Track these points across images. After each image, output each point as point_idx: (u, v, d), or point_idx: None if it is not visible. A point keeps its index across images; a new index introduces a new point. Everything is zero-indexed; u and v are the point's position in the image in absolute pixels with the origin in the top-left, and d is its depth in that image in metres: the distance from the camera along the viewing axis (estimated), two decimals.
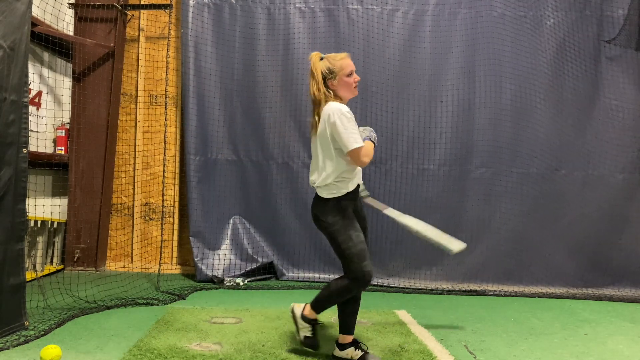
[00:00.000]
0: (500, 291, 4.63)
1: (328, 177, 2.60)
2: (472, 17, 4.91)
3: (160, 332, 3.16)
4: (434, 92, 4.91)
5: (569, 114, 4.84)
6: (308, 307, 2.76)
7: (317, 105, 2.66)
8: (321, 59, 2.66)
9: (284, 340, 3.07)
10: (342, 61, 2.64)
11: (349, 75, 2.64)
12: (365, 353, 2.70)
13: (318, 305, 2.72)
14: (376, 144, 2.72)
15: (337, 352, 2.74)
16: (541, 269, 4.81)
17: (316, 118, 2.65)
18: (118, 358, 2.70)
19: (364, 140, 2.60)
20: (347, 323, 2.72)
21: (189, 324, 3.35)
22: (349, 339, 2.72)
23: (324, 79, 2.63)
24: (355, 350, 2.70)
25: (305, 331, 2.76)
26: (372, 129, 2.76)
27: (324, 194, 2.64)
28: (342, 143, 2.52)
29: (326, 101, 2.62)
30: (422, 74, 4.91)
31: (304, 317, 2.76)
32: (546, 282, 4.77)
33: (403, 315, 3.71)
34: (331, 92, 2.65)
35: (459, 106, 4.90)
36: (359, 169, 2.73)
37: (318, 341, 2.79)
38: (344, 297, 2.65)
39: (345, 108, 2.57)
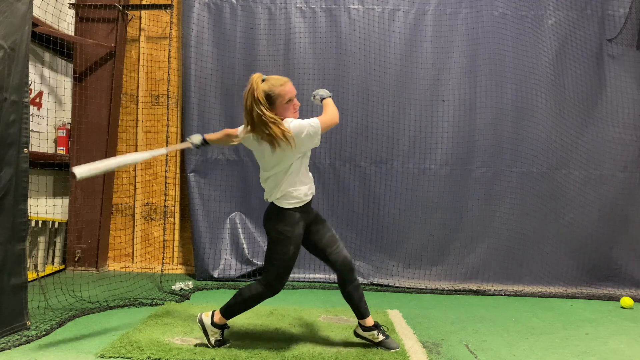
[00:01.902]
0: (500, 291, 4.63)
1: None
2: (473, 17, 4.90)
3: (148, 326, 3.21)
4: (435, 91, 4.91)
5: (570, 113, 4.84)
6: (218, 313, 2.87)
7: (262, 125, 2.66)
8: (263, 80, 2.69)
9: (264, 336, 3.10)
10: (281, 88, 2.68)
11: (288, 102, 2.72)
12: (386, 338, 2.93)
13: (229, 312, 2.86)
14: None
15: (360, 331, 2.95)
16: (542, 268, 4.81)
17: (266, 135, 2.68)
18: (99, 348, 2.78)
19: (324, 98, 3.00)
20: (359, 309, 2.89)
21: (178, 319, 3.39)
22: (370, 321, 2.91)
23: (269, 103, 2.68)
24: (377, 333, 2.91)
25: (216, 336, 2.88)
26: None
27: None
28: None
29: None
30: (423, 73, 4.91)
31: (214, 324, 2.86)
32: (547, 281, 4.77)
33: (394, 315, 3.71)
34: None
35: (460, 106, 4.90)
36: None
37: (227, 339, 2.95)
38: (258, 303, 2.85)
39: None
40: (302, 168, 2.79)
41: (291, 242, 2.73)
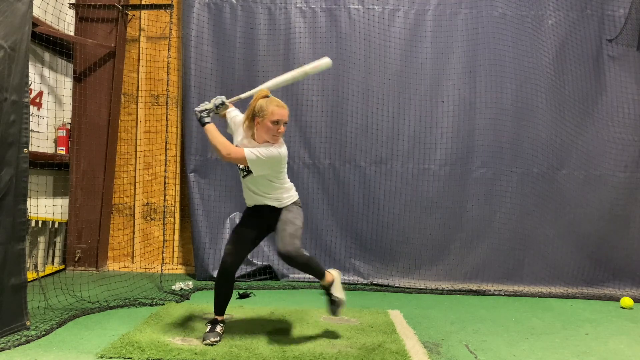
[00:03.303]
0: (500, 291, 4.63)
1: None
2: (473, 17, 4.91)
3: (148, 326, 3.20)
4: (435, 91, 4.91)
5: (570, 113, 4.84)
6: (325, 281, 3.09)
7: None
8: (266, 96, 2.91)
9: (264, 336, 3.10)
10: (276, 108, 2.85)
11: (274, 122, 2.84)
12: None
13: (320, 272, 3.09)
14: (204, 115, 3.13)
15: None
16: (542, 268, 4.81)
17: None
18: (100, 348, 2.77)
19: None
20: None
21: (179, 319, 3.39)
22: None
23: (254, 115, 2.90)
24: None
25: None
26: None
27: None
28: None
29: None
30: (423, 73, 4.91)
31: (332, 285, 3.12)
32: (547, 281, 4.77)
33: (395, 315, 3.70)
34: (253, 127, 2.93)
35: (460, 106, 4.90)
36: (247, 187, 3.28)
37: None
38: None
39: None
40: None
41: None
